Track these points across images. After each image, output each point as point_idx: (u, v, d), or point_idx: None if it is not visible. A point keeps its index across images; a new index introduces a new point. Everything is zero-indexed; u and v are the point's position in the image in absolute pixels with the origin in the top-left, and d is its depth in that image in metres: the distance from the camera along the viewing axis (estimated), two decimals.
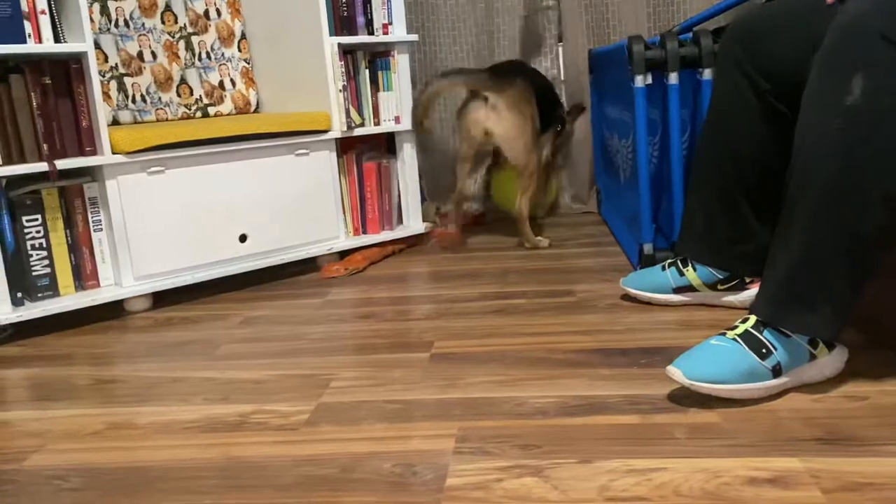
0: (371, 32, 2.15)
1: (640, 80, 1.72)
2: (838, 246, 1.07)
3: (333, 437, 1.10)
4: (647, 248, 1.78)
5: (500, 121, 2.08)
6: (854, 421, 1.03)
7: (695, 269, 1.51)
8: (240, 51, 2.34)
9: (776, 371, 1.10)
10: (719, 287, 1.50)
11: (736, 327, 1.14)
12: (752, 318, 1.14)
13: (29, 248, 1.66)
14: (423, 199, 2.74)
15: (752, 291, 1.47)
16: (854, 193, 1.05)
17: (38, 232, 1.67)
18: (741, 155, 1.39)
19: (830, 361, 1.15)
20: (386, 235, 2.23)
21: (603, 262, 1.97)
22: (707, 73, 1.67)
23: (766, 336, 1.11)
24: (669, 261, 1.56)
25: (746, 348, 1.10)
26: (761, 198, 1.40)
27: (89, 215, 1.74)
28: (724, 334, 1.14)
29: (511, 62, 2.37)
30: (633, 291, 1.60)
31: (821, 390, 1.13)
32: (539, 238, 2.20)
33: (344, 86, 2.06)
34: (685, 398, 1.13)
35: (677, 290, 1.54)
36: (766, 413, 1.07)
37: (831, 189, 1.06)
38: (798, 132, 1.12)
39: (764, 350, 1.10)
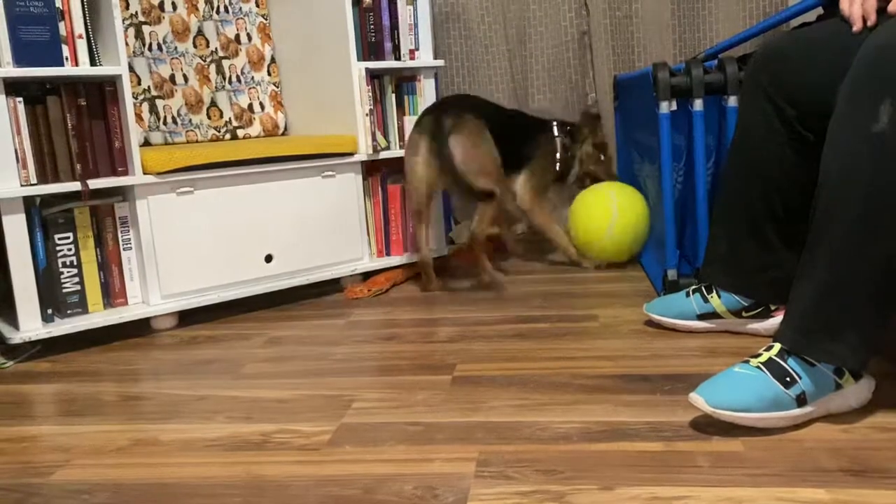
0: (398, 58, 2.18)
1: (664, 107, 1.73)
2: (865, 273, 1.06)
3: (355, 457, 1.10)
4: (672, 273, 1.77)
5: (453, 149, 1.90)
6: (882, 453, 1.01)
7: (719, 296, 1.50)
8: (269, 75, 2.39)
9: (801, 400, 1.09)
10: (744, 314, 1.49)
11: (760, 355, 1.13)
12: (777, 346, 1.13)
13: (60, 265, 1.70)
14: (456, 222, 2.71)
15: (778, 319, 1.44)
16: (881, 220, 1.05)
17: (69, 250, 1.71)
18: (767, 181, 1.38)
19: (856, 392, 1.13)
20: (409, 257, 2.24)
21: (627, 288, 1.96)
22: (732, 100, 1.67)
23: (791, 364, 1.10)
24: (694, 287, 1.55)
25: (770, 377, 1.09)
26: (787, 224, 1.39)
27: (119, 234, 1.77)
28: (747, 362, 1.13)
29: (459, 96, 2.23)
30: (656, 317, 1.59)
31: (848, 420, 1.11)
32: (497, 272, 2.13)
33: (371, 110, 2.09)
34: (709, 426, 1.12)
35: (701, 317, 1.53)
36: (792, 442, 1.06)
37: (858, 216, 1.06)
38: (824, 159, 1.11)
39: (788, 379, 1.09)
